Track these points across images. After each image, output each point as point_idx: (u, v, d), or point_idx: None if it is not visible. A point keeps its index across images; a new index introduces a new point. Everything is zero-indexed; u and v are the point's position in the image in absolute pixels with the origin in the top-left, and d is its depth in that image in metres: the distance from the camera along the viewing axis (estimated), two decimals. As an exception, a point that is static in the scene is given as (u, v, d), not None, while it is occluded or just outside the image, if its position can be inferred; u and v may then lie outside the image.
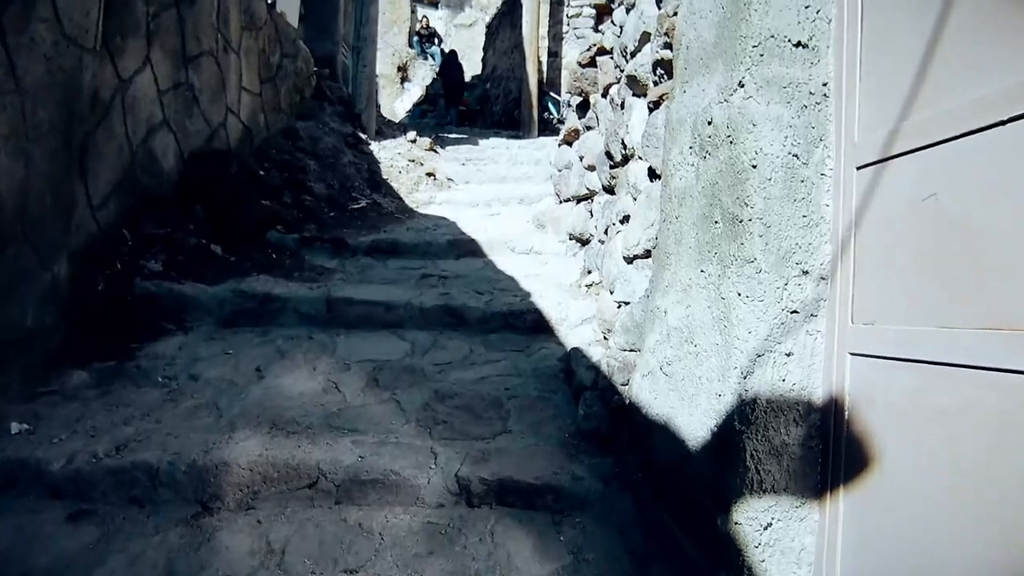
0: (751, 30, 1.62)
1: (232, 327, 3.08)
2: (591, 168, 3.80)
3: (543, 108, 11.44)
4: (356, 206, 5.03)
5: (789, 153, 1.55)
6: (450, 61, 14.06)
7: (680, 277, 1.87)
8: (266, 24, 5.22)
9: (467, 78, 14.72)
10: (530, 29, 11.18)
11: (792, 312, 1.51)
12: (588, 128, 4.07)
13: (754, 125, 1.57)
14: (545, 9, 11.53)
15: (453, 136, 9.36)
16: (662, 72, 2.48)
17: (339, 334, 3.09)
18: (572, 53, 11.65)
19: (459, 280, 3.70)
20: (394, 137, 7.55)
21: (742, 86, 1.62)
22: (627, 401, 2.17)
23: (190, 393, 2.46)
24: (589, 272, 3.51)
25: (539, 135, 10.78)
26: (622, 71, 3.21)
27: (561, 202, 4.47)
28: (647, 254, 2.35)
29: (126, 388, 2.46)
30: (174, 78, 3.73)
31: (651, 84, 2.64)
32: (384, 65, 14.41)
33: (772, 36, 1.60)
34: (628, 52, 3.02)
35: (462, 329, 3.17)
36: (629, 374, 2.26)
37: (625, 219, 2.69)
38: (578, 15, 11.74)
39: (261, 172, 4.63)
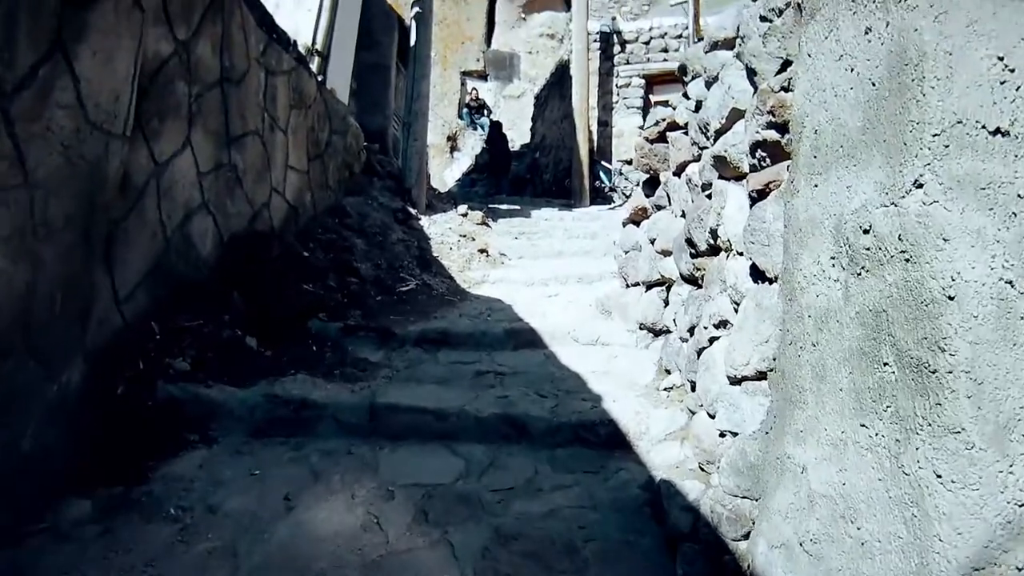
0: (928, 114, 1.22)
1: (263, 437, 2.72)
2: (665, 253, 3.41)
3: (594, 176, 11.31)
4: (404, 288, 4.74)
5: (1000, 279, 1.12)
6: (494, 133, 14.16)
7: (825, 425, 1.42)
8: (315, 102, 5.11)
9: (515, 147, 14.76)
10: (580, 100, 11.16)
11: (1021, 506, 1.05)
12: (658, 207, 3.70)
13: (945, 240, 1.15)
14: (594, 80, 11.55)
15: (504, 208, 9.16)
16: (763, 155, 2.10)
17: (383, 447, 2.69)
18: (623, 123, 11.67)
19: (518, 378, 3.29)
20: (444, 210, 7.36)
21: (919, 187, 1.21)
22: (747, 568, 1.70)
23: (205, 532, 2.08)
24: (668, 372, 3.07)
25: (591, 203, 10.59)
26: (702, 149, 2.86)
27: (628, 286, 4.07)
28: (760, 376, 1.91)
29: (132, 524, 2.09)
30: (216, 159, 3.53)
31: (747, 168, 2.27)
32: (434, 136, 14.58)
33: (960, 121, 1.20)
34: (711, 130, 2.66)
35: (525, 442, 2.73)
36: (743, 528, 1.79)
37: (722, 324, 2.27)
38: (627, 85, 11.80)
39: (305, 253, 4.39)
